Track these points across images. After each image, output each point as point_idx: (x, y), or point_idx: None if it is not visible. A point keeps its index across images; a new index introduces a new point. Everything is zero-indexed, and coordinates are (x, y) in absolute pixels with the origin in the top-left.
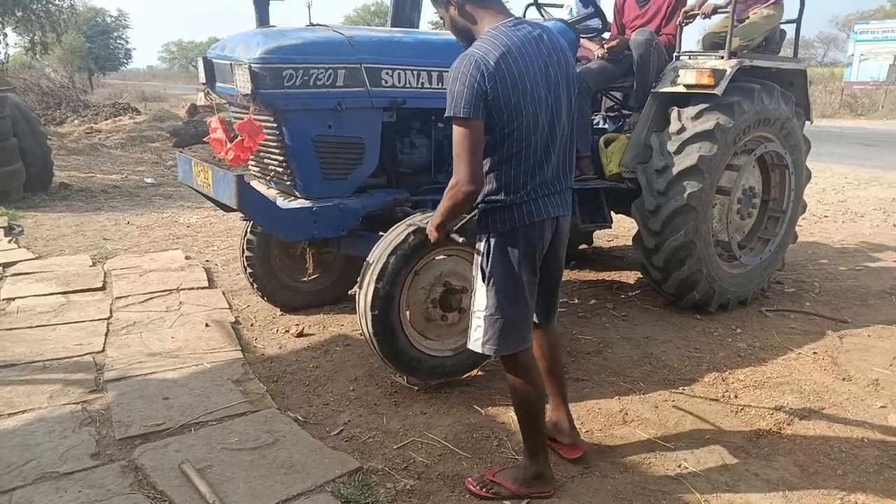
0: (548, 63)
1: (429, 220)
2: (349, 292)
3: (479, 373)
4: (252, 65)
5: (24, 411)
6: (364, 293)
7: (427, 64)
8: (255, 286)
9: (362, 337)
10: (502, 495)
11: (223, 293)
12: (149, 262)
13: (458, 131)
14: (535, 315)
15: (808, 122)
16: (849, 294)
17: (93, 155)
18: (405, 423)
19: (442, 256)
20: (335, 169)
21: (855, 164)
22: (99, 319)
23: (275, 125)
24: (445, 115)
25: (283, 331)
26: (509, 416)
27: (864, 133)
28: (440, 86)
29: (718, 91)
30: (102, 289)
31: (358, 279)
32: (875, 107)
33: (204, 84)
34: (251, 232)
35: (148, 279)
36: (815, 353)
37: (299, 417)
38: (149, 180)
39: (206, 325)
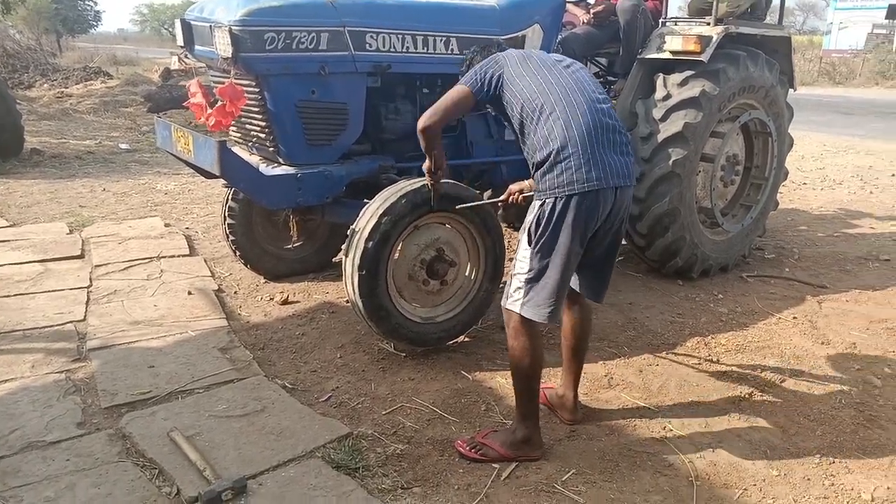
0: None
1: (421, 184)
2: (333, 260)
3: (466, 339)
4: (232, 27)
5: (5, 381)
6: (352, 255)
7: (413, 28)
8: (238, 254)
9: (348, 305)
10: (490, 457)
11: (205, 261)
12: (127, 230)
13: (454, 88)
14: (580, 287)
15: (791, 90)
16: (827, 260)
17: (64, 120)
18: (393, 389)
19: (447, 225)
20: (319, 135)
21: (834, 131)
22: (79, 288)
23: (257, 90)
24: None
25: (268, 298)
26: (496, 381)
27: (843, 101)
28: (425, 50)
29: (704, 58)
30: (81, 257)
31: (343, 246)
32: (853, 75)
33: (182, 47)
34: (233, 199)
35: (127, 247)
36: (794, 317)
37: (287, 384)
38: (123, 146)
39: (189, 293)
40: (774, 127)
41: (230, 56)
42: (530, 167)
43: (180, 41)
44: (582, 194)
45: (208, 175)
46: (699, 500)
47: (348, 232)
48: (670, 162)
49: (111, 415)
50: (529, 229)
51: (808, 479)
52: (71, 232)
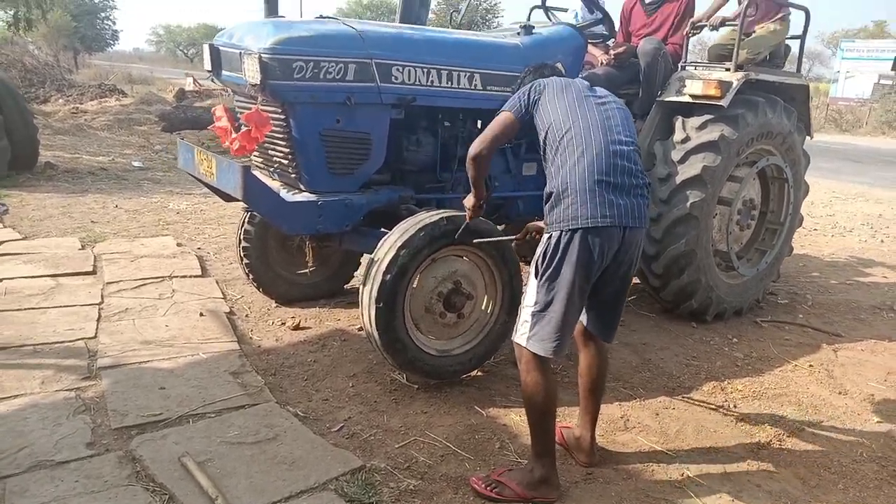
0: (601, 102)
1: (439, 217)
2: (345, 286)
3: (479, 373)
4: (262, 55)
5: (15, 396)
6: (370, 287)
7: (437, 62)
8: (251, 277)
9: (360, 333)
10: (506, 496)
11: (216, 282)
12: (139, 248)
13: (498, 116)
14: (590, 326)
15: (808, 137)
16: (841, 308)
17: (78, 135)
18: (406, 422)
19: (465, 258)
20: (342, 164)
21: (842, 178)
22: (90, 304)
23: (282, 117)
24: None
25: (279, 323)
26: (510, 417)
27: (850, 148)
28: (449, 84)
29: (724, 103)
30: (93, 273)
31: (362, 274)
32: (859, 123)
33: (209, 71)
34: (249, 222)
35: (139, 265)
36: (810, 365)
37: (299, 412)
38: (136, 163)
39: (201, 314)
40: (791, 173)
41: (258, 83)
42: (544, 197)
43: (207, 66)
44: (586, 229)
45: (228, 198)
46: None
47: (365, 261)
48: (688, 204)
49: (121, 436)
50: (537, 262)
51: None
52: (83, 247)
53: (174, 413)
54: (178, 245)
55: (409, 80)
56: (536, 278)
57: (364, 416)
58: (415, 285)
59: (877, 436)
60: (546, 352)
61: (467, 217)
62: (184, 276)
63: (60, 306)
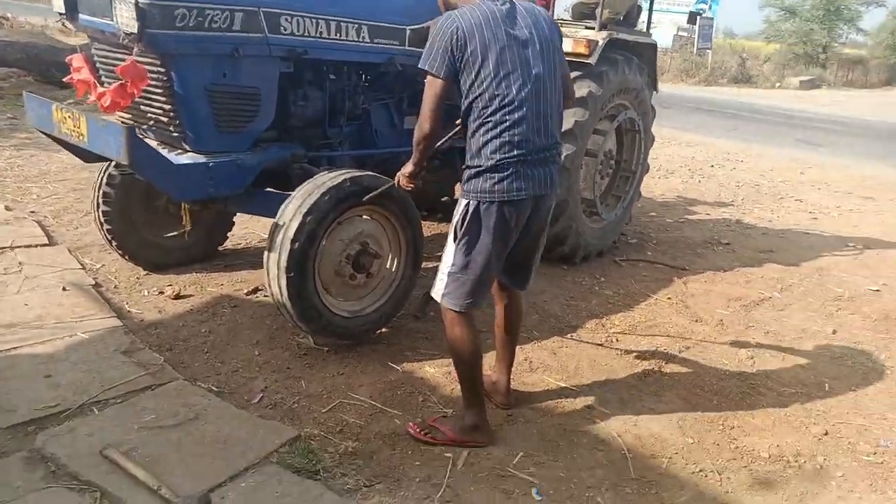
0: (518, 33)
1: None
2: (219, 248)
3: (384, 331)
4: (140, 0)
5: None
6: (276, 256)
7: (328, 13)
8: (115, 244)
9: (249, 298)
10: (440, 440)
11: (69, 251)
12: None
13: (427, 83)
14: (504, 277)
15: (654, 92)
16: (680, 244)
17: None
18: (325, 385)
19: (366, 217)
20: (230, 121)
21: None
22: None
23: (162, 70)
24: (419, 65)
25: (156, 293)
26: (426, 371)
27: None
28: (337, 36)
29: (592, 60)
30: None
31: (266, 240)
32: (661, 71)
33: (61, 14)
34: (108, 184)
35: None
36: (669, 298)
37: (213, 388)
38: None
39: (64, 288)
40: (643, 125)
41: (135, 32)
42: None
43: (60, 7)
44: (502, 202)
45: (90, 159)
46: (635, 471)
47: (272, 226)
48: (562, 157)
49: (16, 435)
50: (455, 226)
51: (718, 445)
52: None
53: (72, 402)
54: (8, 209)
55: (299, 31)
56: (454, 241)
57: (281, 383)
58: (323, 252)
59: (733, 354)
60: (460, 308)
61: (398, 184)
62: (28, 247)
63: None
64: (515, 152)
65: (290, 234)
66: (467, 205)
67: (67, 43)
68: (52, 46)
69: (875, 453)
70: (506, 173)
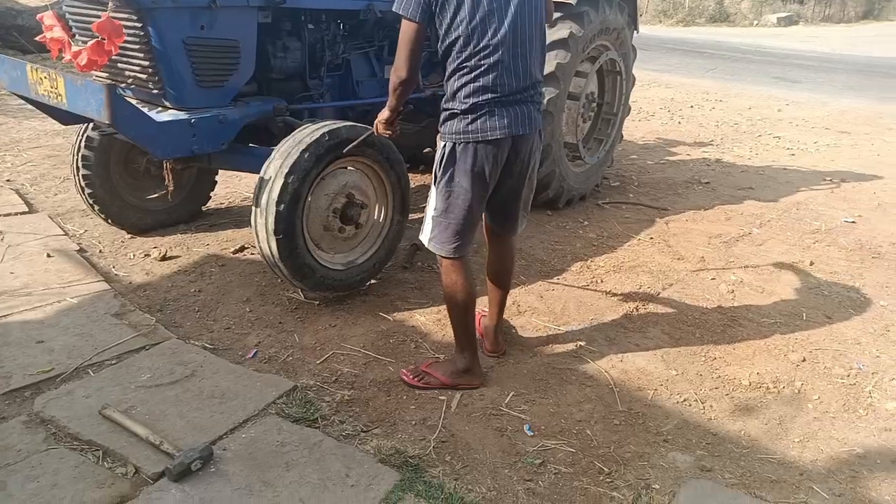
0: None
1: (321, 133)
2: (203, 209)
3: (374, 282)
4: None
5: None
6: (264, 219)
7: None
8: (97, 208)
9: (236, 256)
10: (433, 385)
11: (50, 217)
12: None
13: (402, 27)
14: (493, 222)
15: (635, 32)
16: (661, 185)
17: None
18: (318, 338)
19: (349, 168)
20: (210, 75)
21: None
22: None
23: (139, 25)
24: (393, 8)
25: (142, 255)
26: (416, 319)
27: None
28: None
29: (573, 0)
30: None
31: (252, 197)
32: (639, 12)
33: None
34: (87, 147)
35: None
36: (651, 238)
37: (206, 345)
38: None
39: (48, 255)
40: (624, 66)
41: None
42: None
43: None
44: (477, 142)
45: (66, 121)
46: (623, 403)
47: (258, 181)
48: (545, 101)
49: (14, 400)
50: (435, 169)
51: (701, 375)
52: None
53: (67, 366)
54: None
55: None
56: (435, 185)
57: (274, 338)
58: (309, 209)
59: (712, 289)
60: (447, 252)
61: (376, 132)
62: (8, 215)
63: None
64: (489, 95)
65: (275, 195)
66: (444, 147)
67: (26, 4)
68: (10, 9)
69: (849, 376)
70: (479, 113)
